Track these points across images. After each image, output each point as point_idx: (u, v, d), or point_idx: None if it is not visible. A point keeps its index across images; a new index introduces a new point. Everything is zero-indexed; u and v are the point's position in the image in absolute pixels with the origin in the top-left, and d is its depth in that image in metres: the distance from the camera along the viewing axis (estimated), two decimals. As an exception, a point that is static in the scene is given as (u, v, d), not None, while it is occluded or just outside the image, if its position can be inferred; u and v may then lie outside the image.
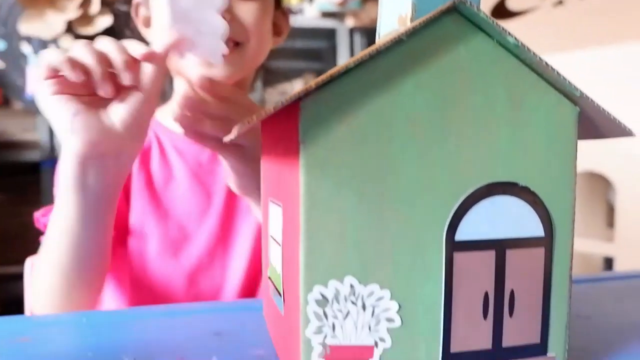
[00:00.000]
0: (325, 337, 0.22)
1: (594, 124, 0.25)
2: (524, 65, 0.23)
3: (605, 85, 0.97)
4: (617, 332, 0.33)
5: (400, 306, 0.23)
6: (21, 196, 1.80)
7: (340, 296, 0.22)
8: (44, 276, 0.46)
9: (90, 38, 0.40)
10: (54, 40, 1.66)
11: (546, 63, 0.23)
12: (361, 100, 0.22)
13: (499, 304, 0.24)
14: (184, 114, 0.42)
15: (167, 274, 0.57)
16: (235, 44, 0.53)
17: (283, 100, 0.21)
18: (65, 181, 0.41)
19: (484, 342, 0.24)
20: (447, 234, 0.23)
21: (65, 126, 0.38)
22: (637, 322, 0.35)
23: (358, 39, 1.88)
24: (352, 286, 0.22)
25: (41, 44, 1.65)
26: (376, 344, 0.23)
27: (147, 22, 0.58)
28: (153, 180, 0.59)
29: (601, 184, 1.24)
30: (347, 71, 0.21)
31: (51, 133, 1.75)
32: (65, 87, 0.37)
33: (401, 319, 0.23)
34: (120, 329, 0.33)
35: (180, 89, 0.59)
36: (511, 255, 0.24)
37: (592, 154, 1.02)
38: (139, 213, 0.57)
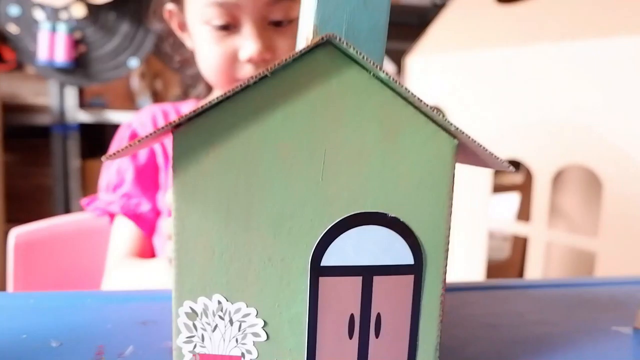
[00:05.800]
0: (195, 346, 0.24)
1: (475, 154, 0.26)
2: (399, 97, 0.24)
3: (603, 78, 0.94)
4: (511, 343, 0.34)
5: (265, 323, 0.24)
6: (31, 158, 1.86)
7: (209, 311, 0.24)
8: (118, 283, 0.59)
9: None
10: (66, 8, 1.68)
11: (419, 98, 0.23)
12: (230, 131, 0.23)
13: (365, 325, 0.25)
14: None
15: None
16: None
17: (169, 123, 0.22)
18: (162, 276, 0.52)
19: (350, 359, 0.25)
20: (313, 259, 0.24)
21: None
22: (539, 334, 0.35)
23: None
24: (219, 302, 0.24)
25: (53, 11, 1.68)
26: (243, 355, 0.24)
27: (183, 26, 0.64)
28: None
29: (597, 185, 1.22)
30: (217, 104, 0.22)
31: (61, 98, 1.79)
32: None
33: (267, 334, 0.24)
34: (59, 310, 0.36)
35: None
36: (379, 281, 0.25)
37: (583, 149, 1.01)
38: None
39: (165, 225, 0.42)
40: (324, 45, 0.23)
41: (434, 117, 0.24)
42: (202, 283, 0.24)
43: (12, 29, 1.68)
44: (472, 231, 1.17)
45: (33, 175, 1.86)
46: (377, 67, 0.23)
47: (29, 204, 1.83)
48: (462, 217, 1.20)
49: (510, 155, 1.09)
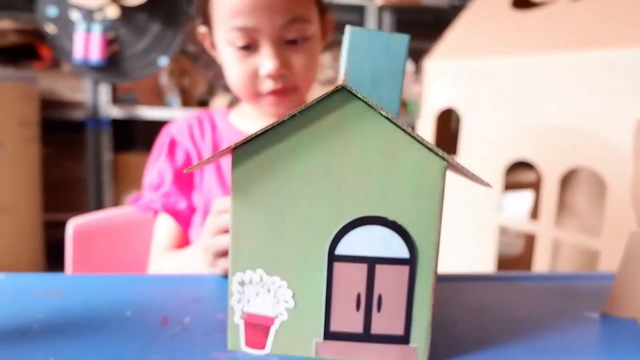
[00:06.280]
0: (243, 306, 0.33)
1: (462, 171, 0.33)
2: (399, 129, 0.31)
3: (610, 87, 1.00)
4: (495, 323, 0.41)
5: (294, 293, 0.32)
6: (66, 151, 1.97)
7: (254, 281, 0.32)
8: (161, 270, 0.67)
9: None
10: (100, 9, 1.78)
11: (412, 129, 0.31)
12: (270, 153, 0.31)
13: (369, 301, 0.33)
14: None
15: None
16: (290, 89, 0.66)
17: (229, 146, 0.30)
18: (200, 266, 0.54)
19: (357, 327, 0.33)
20: (329, 249, 0.32)
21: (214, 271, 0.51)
22: (520, 317, 0.42)
23: (387, 17, 1.92)
24: (261, 276, 0.32)
25: (89, 12, 1.77)
26: (277, 316, 0.33)
27: (214, 46, 0.73)
28: (222, 168, 0.74)
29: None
30: (262, 133, 0.30)
31: (95, 94, 1.89)
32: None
33: (295, 302, 0.32)
34: (126, 289, 0.45)
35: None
36: (380, 269, 0.32)
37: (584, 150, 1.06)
38: (207, 194, 0.73)
39: (216, 203, 0.50)
40: (340, 91, 0.31)
41: (426, 144, 0.32)
42: (249, 261, 0.32)
43: (50, 28, 1.79)
44: (483, 227, 1.24)
45: (68, 168, 1.97)
46: (379, 107, 0.30)
47: (64, 195, 1.95)
48: (473, 213, 1.26)
49: (520, 157, 1.15)
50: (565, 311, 0.45)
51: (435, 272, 0.33)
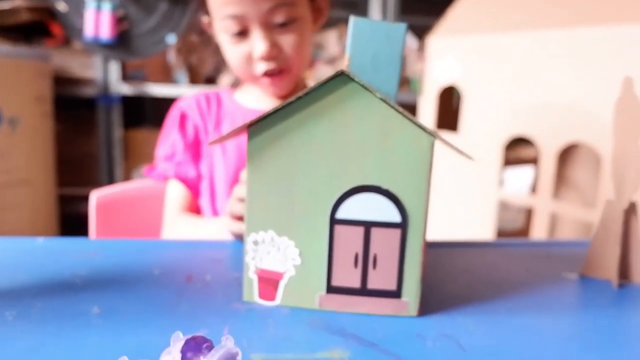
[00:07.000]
0: (257, 262, 0.38)
1: (449, 146, 0.38)
2: (392, 109, 0.36)
3: (607, 65, 1.02)
4: (481, 283, 0.46)
5: (300, 252, 0.37)
6: (79, 127, 2.02)
7: (266, 241, 0.37)
8: (174, 236, 0.73)
9: None
10: (109, -13, 1.80)
11: (402, 110, 0.35)
12: (281, 129, 0.35)
13: (365, 260, 0.38)
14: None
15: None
16: (284, 69, 0.72)
17: (245, 124, 0.35)
18: (220, 233, 0.63)
19: (355, 282, 0.38)
20: (331, 213, 0.37)
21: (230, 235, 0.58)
22: (504, 277, 0.47)
23: (392, -7, 1.93)
24: (272, 236, 0.37)
25: (97, -10, 1.80)
26: (285, 271, 0.38)
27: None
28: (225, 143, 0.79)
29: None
30: (273, 112, 0.35)
31: (105, 72, 1.93)
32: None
33: (301, 260, 0.37)
34: (152, 252, 0.50)
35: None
36: (375, 231, 0.37)
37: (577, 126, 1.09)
38: (210, 163, 0.79)
39: (241, 179, 0.57)
40: (339, 75, 0.35)
41: (416, 122, 0.36)
42: (262, 222, 0.37)
43: (62, 7, 1.82)
44: (483, 202, 1.28)
45: (80, 143, 2.02)
46: (375, 90, 0.35)
47: (77, 170, 2.01)
48: (473, 188, 1.30)
49: (519, 133, 1.18)
50: (547, 273, 0.50)
51: (424, 235, 0.38)
